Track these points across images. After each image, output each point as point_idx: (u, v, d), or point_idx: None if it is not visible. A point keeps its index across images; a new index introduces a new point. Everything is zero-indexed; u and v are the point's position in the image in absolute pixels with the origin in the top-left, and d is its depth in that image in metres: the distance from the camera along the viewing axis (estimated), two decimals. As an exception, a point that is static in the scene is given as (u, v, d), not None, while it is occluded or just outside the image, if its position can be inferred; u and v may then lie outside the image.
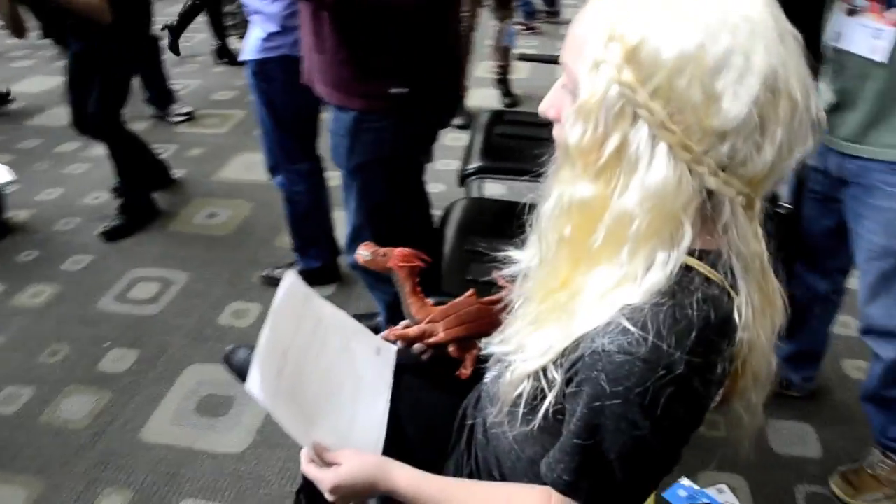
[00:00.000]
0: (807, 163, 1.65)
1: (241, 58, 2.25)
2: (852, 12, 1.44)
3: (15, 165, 3.60)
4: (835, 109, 1.53)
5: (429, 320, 1.22)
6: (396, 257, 1.25)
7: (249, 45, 2.17)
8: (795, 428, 2.05)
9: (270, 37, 2.10)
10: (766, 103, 0.68)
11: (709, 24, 0.67)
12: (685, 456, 0.81)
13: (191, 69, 5.07)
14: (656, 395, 0.71)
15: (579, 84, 0.73)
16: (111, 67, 2.84)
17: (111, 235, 3.03)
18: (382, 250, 1.26)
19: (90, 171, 3.66)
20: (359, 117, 1.69)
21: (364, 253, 1.26)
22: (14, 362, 2.37)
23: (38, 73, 4.98)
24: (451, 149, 3.41)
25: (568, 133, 0.75)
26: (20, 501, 1.88)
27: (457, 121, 3.92)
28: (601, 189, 0.74)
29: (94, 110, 2.87)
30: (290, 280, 1.12)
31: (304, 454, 0.98)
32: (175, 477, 1.93)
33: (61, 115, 4.29)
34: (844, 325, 2.27)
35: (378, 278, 1.84)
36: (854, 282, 1.75)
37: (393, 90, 1.63)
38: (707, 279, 0.75)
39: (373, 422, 1.11)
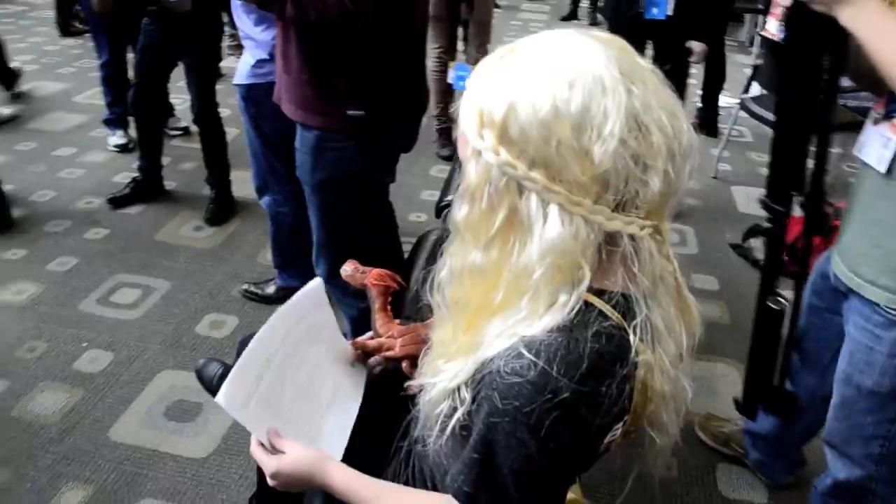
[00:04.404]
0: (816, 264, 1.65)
1: (234, 82, 2.36)
2: (877, 121, 1.38)
3: (11, 167, 3.70)
4: (845, 218, 1.48)
5: (388, 335, 1.31)
6: (372, 276, 1.36)
7: (240, 70, 2.28)
8: (745, 474, 2.10)
9: (260, 63, 2.20)
10: (636, 142, 0.75)
11: (558, 90, 0.75)
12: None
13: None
14: (541, 418, 0.77)
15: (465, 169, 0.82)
16: (200, 55, 3.06)
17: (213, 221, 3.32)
18: (362, 268, 1.37)
19: (85, 176, 3.74)
20: (320, 136, 1.79)
21: (346, 269, 1.38)
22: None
23: (44, 79, 5.08)
24: (437, 180, 3.51)
25: (456, 211, 0.84)
26: (-17, 489, 1.94)
27: (443, 152, 4.04)
28: (494, 255, 0.82)
29: (199, 97, 3.14)
30: (312, 286, 1.21)
31: (255, 439, 1.05)
32: (137, 477, 1.99)
33: (62, 119, 4.41)
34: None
35: (346, 293, 1.93)
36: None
37: (350, 112, 1.72)
38: (602, 314, 0.81)
39: (340, 430, 1.19)
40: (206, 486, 1.98)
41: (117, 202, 3.42)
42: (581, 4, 7.37)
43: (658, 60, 0.94)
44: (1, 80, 4.53)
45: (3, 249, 3.06)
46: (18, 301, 2.73)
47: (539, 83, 0.76)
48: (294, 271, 2.68)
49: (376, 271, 1.36)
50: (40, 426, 2.15)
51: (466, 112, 0.82)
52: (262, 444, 1.05)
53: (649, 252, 0.82)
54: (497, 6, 4.06)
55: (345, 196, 1.86)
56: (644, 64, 0.81)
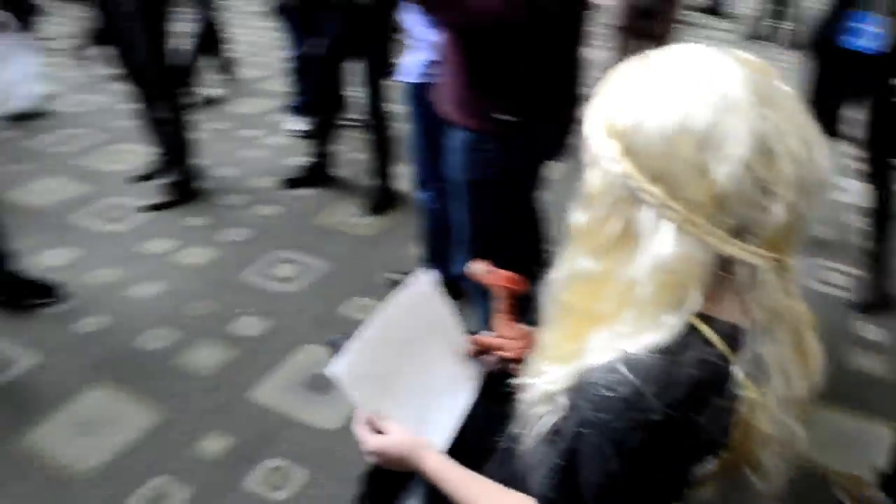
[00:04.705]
0: None
1: (404, 80, 2.47)
2: None
3: (207, 143, 4.08)
4: None
5: (508, 337, 1.34)
6: (500, 277, 1.40)
7: (410, 68, 2.39)
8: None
9: (431, 64, 2.30)
10: (762, 167, 0.73)
11: (688, 104, 0.73)
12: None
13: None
14: (628, 436, 0.76)
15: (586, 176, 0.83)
16: (377, 52, 3.24)
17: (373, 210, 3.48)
18: (492, 269, 1.41)
19: (266, 157, 4.07)
20: (470, 137, 1.84)
21: (476, 268, 1.42)
22: (166, 309, 2.73)
23: (247, 65, 5.55)
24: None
25: (573, 216, 0.85)
26: (142, 421, 2.19)
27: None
28: (604, 265, 0.82)
29: (373, 93, 3.32)
30: (421, 278, 1.26)
31: (359, 415, 1.12)
32: (273, 437, 2.15)
33: (255, 103, 4.79)
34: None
35: (479, 289, 1.98)
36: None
37: (497, 115, 1.76)
38: (707, 341, 0.79)
39: (448, 420, 1.23)
40: (331, 456, 2.10)
41: (290, 184, 3.69)
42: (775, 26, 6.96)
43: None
44: (220, 67, 5.02)
45: (189, 216, 3.39)
46: (196, 263, 3.03)
47: (668, 97, 0.75)
48: (442, 266, 2.76)
49: (505, 274, 1.39)
50: (196, 377, 2.38)
51: (593, 118, 0.82)
52: (366, 423, 1.11)
53: (768, 285, 0.78)
54: (681, 21, 3.90)
55: (489, 196, 1.90)
56: (785, 88, 0.78)
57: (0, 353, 2.49)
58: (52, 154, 4.05)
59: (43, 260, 3.02)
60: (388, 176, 3.55)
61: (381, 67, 3.31)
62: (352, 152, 4.09)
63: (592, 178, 0.82)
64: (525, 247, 2.11)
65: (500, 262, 1.41)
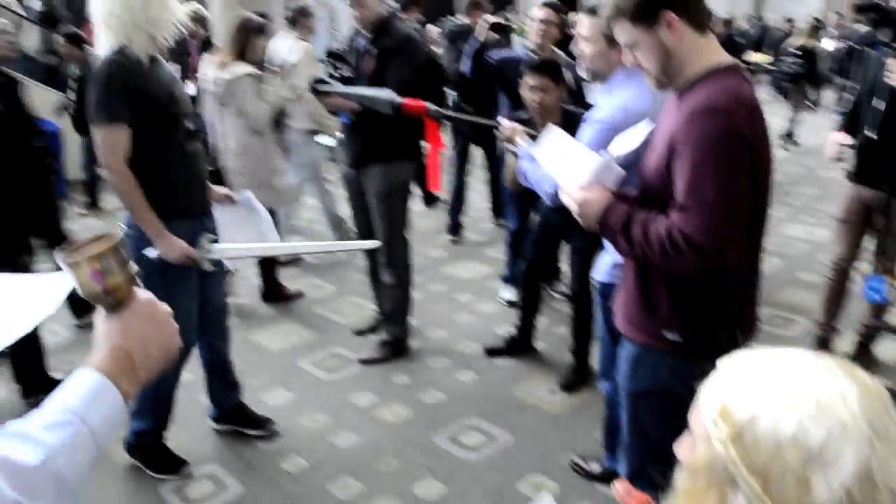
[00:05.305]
0: None
1: (594, 276, 2.61)
2: None
3: (421, 304, 4.43)
4: None
5: None
6: (636, 500, 1.45)
7: (601, 267, 2.53)
8: None
9: (618, 265, 2.42)
10: (862, 496, 0.75)
11: (806, 418, 0.77)
12: None
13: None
14: None
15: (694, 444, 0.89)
16: (588, 239, 3.34)
17: (567, 387, 3.59)
18: (631, 491, 1.46)
19: (473, 322, 4.35)
20: (638, 350, 1.90)
21: (617, 487, 1.49)
22: (359, 460, 2.98)
23: (471, 230, 6.03)
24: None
25: (679, 479, 0.91)
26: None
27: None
28: None
29: (579, 276, 3.45)
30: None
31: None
32: None
33: (471, 268, 5.17)
34: None
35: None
36: None
37: (668, 335, 1.81)
38: None
39: None
40: None
41: (492, 352, 3.89)
42: None
43: None
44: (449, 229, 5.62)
45: (393, 374, 3.70)
46: (393, 421, 3.28)
47: (787, 405, 0.80)
48: (615, 457, 2.76)
49: (641, 496, 1.43)
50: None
51: (710, 395, 0.89)
52: None
53: None
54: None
55: (653, 409, 1.93)
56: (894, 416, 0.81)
57: (214, 477, 2.86)
58: (295, 301, 4.65)
59: (267, 398, 3.45)
60: (585, 354, 3.63)
61: (590, 250, 3.47)
62: (556, 325, 4.24)
63: (699, 449, 0.88)
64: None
65: (653, 475, 1.44)
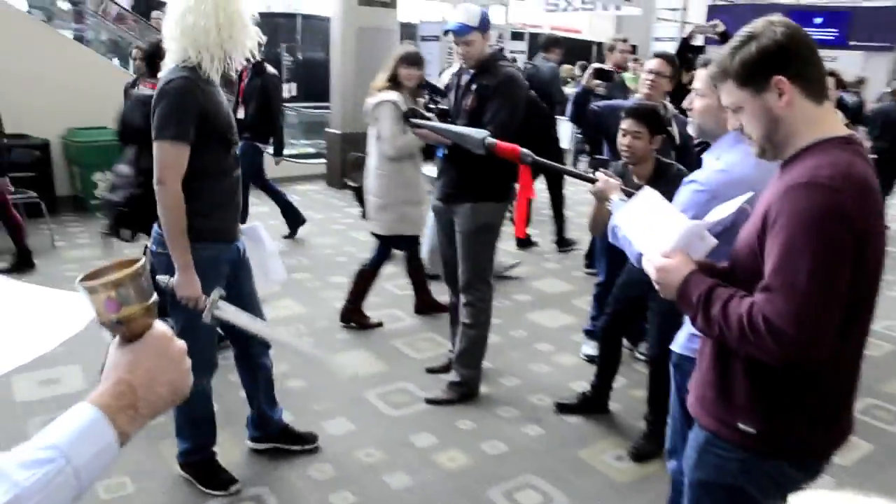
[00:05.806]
0: None
1: (671, 345, 2.44)
2: None
3: (499, 348, 4.33)
4: None
5: None
6: None
7: (679, 338, 2.36)
8: None
9: (693, 338, 2.25)
10: None
11: None
12: None
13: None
14: None
15: None
16: (665, 304, 3.39)
17: (637, 457, 3.40)
18: None
19: (549, 373, 4.19)
20: (708, 437, 1.73)
21: None
22: (402, 502, 2.89)
23: (552, 276, 5.87)
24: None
25: None
26: None
27: None
28: None
29: (658, 343, 3.29)
30: None
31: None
32: None
33: (556, 317, 5.02)
34: None
35: None
36: None
37: (742, 425, 1.64)
38: None
39: None
40: None
41: (562, 408, 3.73)
42: None
43: None
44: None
45: (458, 417, 3.60)
46: (450, 467, 3.18)
47: None
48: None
49: None
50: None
51: None
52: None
53: None
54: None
55: (711, 500, 1.76)
56: None
57: (260, 499, 2.84)
58: (375, 330, 4.64)
59: (328, 426, 3.42)
60: (660, 424, 3.42)
61: (674, 314, 3.29)
62: (634, 387, 4.04)
63: None
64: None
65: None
